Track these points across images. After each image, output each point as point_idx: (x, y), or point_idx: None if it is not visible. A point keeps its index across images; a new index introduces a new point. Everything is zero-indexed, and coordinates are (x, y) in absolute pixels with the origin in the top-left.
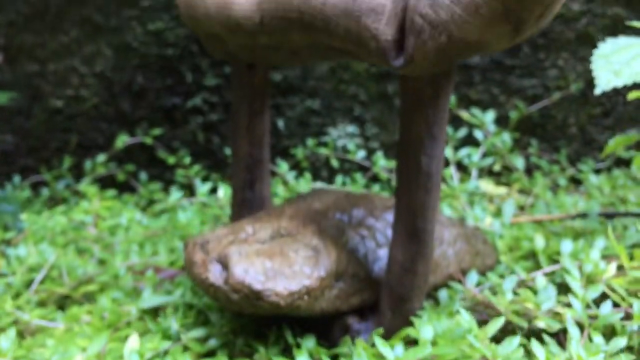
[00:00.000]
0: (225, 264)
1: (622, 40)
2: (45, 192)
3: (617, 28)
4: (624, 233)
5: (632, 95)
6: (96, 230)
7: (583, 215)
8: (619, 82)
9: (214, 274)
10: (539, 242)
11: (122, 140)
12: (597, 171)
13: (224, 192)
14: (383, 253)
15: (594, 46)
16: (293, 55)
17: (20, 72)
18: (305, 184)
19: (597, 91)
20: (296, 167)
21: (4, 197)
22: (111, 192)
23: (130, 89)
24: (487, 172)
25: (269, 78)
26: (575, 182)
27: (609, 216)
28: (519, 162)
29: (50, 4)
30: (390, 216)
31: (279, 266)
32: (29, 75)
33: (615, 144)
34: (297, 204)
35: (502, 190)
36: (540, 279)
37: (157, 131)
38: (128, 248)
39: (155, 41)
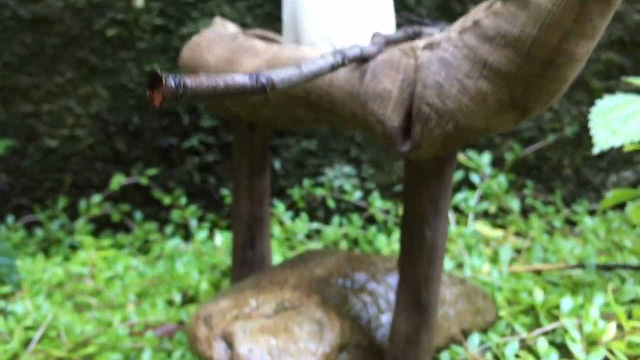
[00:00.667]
0: (229, 342)
1: (619, 98)
2: (39, 232)
3: (610, 73)
4: (621, 287)
5: (629, 148)
6: (93, 282)
7: (580, 266)
8: (617, 142)
9: (219, 353)
10: (538, 295)
11: (118, 181)
12: (592, 212)
13: (221, 239)
14: (386, 319)
15: (588, 90)
16: (296, 123)
17: (15, 112)
18: (301, 225)
19: (596, 150)
20: (293, 207)
21: (0, 250)
22: (107, 241)
23: (126, 129)
24: (483, 214)
25: (270, 138)
26: (571, 223)
27: (607, 268)
28: (514, 203)
29: (46, 45)
30: (391, 279)
31: (284, 344)
32: (24, 116)
33: (613, 198)
34: (300, 271)
35: (498, 233)
36: (541, 342)
37: (152, 171)
38: (125, 300)
39: None
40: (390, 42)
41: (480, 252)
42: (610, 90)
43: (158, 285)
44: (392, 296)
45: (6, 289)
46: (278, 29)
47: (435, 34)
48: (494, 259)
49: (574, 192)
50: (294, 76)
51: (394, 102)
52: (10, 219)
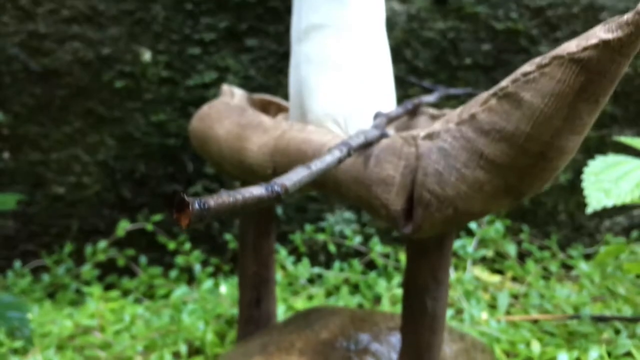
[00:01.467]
0: None
1: (611, 158)
2: (46, 277)
3: (603, 123)
4: (615, 338)
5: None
6: (102, 334)
7: (576, 317)
8: (609, 202)
9: None
10: (535, 348)
11: (123, 228)
12: (587, 256)
13: (226, 288)
14: None
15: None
16: (302, 193)
17: (23, 160)
18: (303, 270)
19: (589, 211)
20: (295, 252)
21: (13, 304)
22: (114, 293)
23: (132, 176)
24: (481, 259)
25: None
26: (567, 267)
27: (601, 319)
28: (511, 248)
29: (55, 97)
30: (393, 338)
31: None
32: (32, 164)
33: (606, 254)
34: (306, 334)
35: (496, 278)
36: None
37: (157, 217)
38: (134, 353)
39: (158, 132)
40: (391, 120)
41: (478, 298)
42: (603, 139)
43: (165, 337)
44: (394, 356)
45: (18, 343)
46: (281, 82)
47: (432, 99)
48: (492, 305)
49: (569, 237)
50: (304, 177)
51: (396, 187)
52: (17, 264)
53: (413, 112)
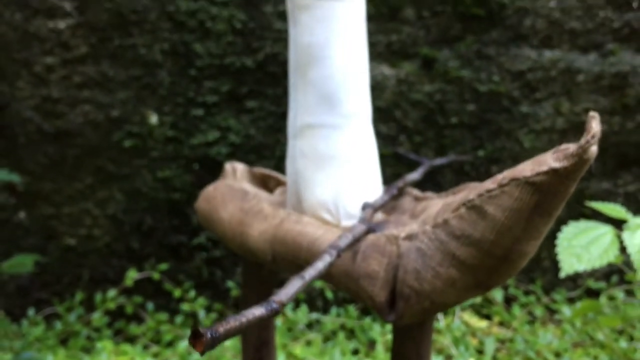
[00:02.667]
0: None
1: (583, 224)
2: (58, 325)
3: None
4: None
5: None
6: None
7: None
8: (581, 267)
9: None
10: None
11: (132, 277)
12: (570, 299)
13: (230, 340)
14: None
15: None
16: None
17: (37, 214)
18: (302, 315)
19: (562, 275)
20: (294, 303)
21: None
22: (125, 347)
23: (140, 228)
24: (469, 304)
25: (276, 272)
26: (551, 310)
27: None
28: (498, 294)
29: (67, 155)
30: None
31: None
32: (45, 218)
33: (582, 309)
34: None
35: (483, 323)
36: None
37: (164, 266)
38: None
39: (164, 187)
40: (377, 209)
41: (467, 344)
42: (582, 192)
43: None
44: None
45: None
46: (279, 140)
47: (417, 176)
48: (480, 350)
49: (553, 282)
50: (299, 288)
51: (380, 281)
52: (31, 311)
53: (399, 193)
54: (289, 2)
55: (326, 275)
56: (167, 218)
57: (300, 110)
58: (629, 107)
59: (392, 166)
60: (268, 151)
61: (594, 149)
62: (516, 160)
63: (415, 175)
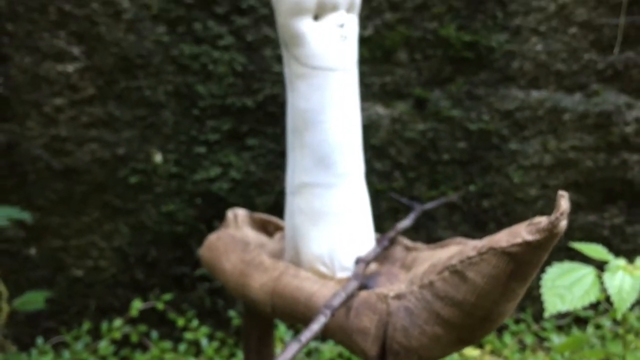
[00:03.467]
0: None
1: (566, 265)
2: (66, 354)
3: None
4: None
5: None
6: None
7: None
8: (564, 307)
9: None
10: None
11: (137, 307)
12: (560, 327)
13: None
14: None
15: None
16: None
17: (45, 247)
18: None
19: (546, 315)
20: (293, 327)
21: None
22: None
23: (145, 260)
24: None
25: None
26: (540, 338)
27: None
28: None
29: (75, 191)
30: None
31: None
32: (54, 250)
33: (568, 344)
34: None
35: (475, 352)
36: None
37: (167, 296)
38: None
39: (167, 220)
40: (369, 262)
41: None
42: (569, 224)
43: None
44: None
45: None
46: (278, 177)
47: (408, 223)
48: None
49: (542, 310)
50: (297, 351)
51: (372, 337)
52: (40, 340)
53: (388, 248)
54: (287, 70)
55: (322, 330)
56: (170, 250)
57: (298, 169)
58: (614, 144)
59: (387, 200)
60: (268, 187)
61: (563, 224)
62: (506, 194)
63: (406, 223)
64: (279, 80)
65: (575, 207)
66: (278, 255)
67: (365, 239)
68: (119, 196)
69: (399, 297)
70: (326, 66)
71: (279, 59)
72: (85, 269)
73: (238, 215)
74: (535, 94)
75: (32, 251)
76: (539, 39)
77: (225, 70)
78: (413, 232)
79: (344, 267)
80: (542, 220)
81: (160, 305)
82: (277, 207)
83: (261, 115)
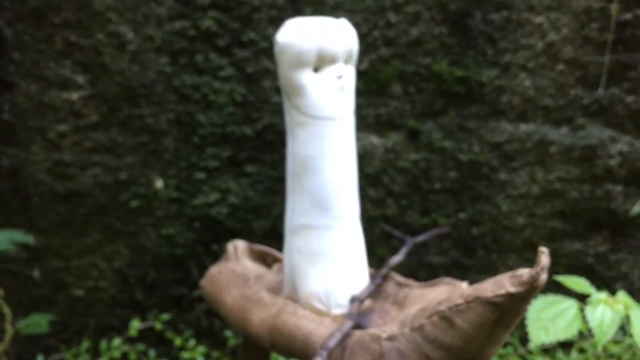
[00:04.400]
0: None
1: (551, 298)
2: None
3: (554, 237)
4: None
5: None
6: None
7: None
8: (547, 339)
9: None
10: None
11: (135, 327)
12: (545, 350)
13: None
14: None
15: (536, 250)
16: None
17: (47, 267)
18: None
19: (531, 346)
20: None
21: None
22: None
23: (144, 281)
24: None
25: None
26: None
27: None
28: None
29: (77, 214)
30: None
31: None
32: (55, 270)
33: None
34: None
35: None
36: None
37: (166, 316)
38: None
39: (167, 243)
40: (363, 300)
41: None
42: (555, 252)
43: None
44: None
45: None
46: (275, 202)
47: (401, 257)
48: None
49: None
50: None
51: None
52: (40, 358)
53: (381, 285)
54: (287, 118)
55: None
56: (169, 272)
57: (297, 211)
58: (598, 176)
59: (380, 227)
60: (265, 211)
61: (543, 278)
62: (494, 222)
63: (399, 257)
64: (277, 110)
65: (561, 235)
66: (276, 287)
67: (359, 277)
68: (120, 219)
69: (391, 338)
70: (325, 116)
71: (277, 90)
72: (85, 288)
73: (238, 247)
74: (523, 127)
75: (36, 273)
76: (528, 75)
77: (226, 100)
78: (404, 258)
79: (339, 304)
80: (524, 274)
81: (158, 325)
82: (274, 232)
83: (260, 143)
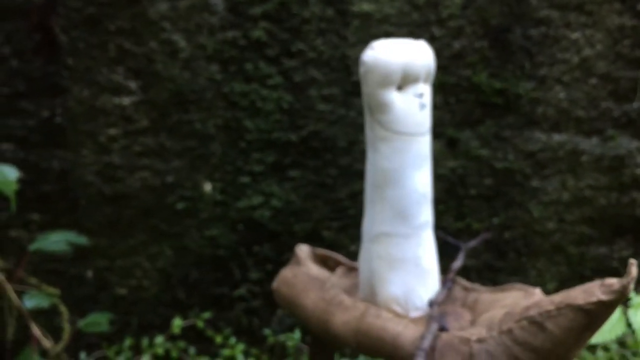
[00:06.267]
0: None
1: None
2: None
3: (582, 241)
4: None
5: None
6: None
7: None
8: (594, 340)
9: None
10: None
11: (178, 325)
12: None
13: None
14: None
15: (566, 254)
16: None
17: (91, 266)
18: None
19: None
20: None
21: None
22: None
23: (186, 281)
24: None
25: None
26: None
27: None
28: None
29: (124, 215)
30: None
31: None
32: (99, 270)
33: None
34: None
35: None
36: None
37: (206, 315)
38: None
39: (210, 244)
40: (440, 304)
41: None
42: (582, 256)
43: None
44: None
45: None
46: (317, 206)
47: (459, 263)
48: None
49: None
50: None
51: None
52: (83, 355)
53: (451, 288)
54: (369, 133)
55: None
56: (211, 272)
57: (377, 220)
58: (625, 184)
59: None
60: (307, 215)
61: (631, 287)
62: (526, 227)
63: (458, 263)
64: (322, 118)
65: (588, 240)
66: (348, 291)
67: (433, 282)
68: (165, 221)
69: (480, 341)
70: (407, 131)
71: (323, 99)
72: (129, 287)
73: (302, 249)
74: (556, 137)
75: (89, 273)
76: (562, 87)
77: (273, 107)
78: (440, 260)
79: (417, 307)
80: (615, 283)
81: (200, 323)
82: (315, 235)
83: (304, 149)
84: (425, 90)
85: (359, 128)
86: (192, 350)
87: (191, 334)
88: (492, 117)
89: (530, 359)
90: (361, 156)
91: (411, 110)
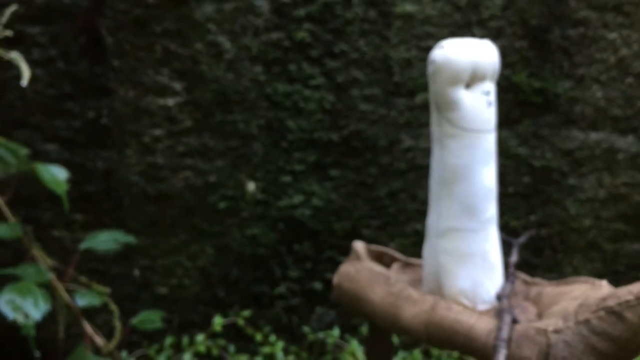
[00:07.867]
0: None
1: None
2: None
3: (617, 238)
4: None
5: None
6: None
7: None
8: None
9: None
10: None
11: (219, 323)
12: None
13: None
14: None
15: (600, 250)
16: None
17: (133, 265)
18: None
19: None
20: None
21: None
22: None
23: (227, 279)
24: None
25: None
26: None
27: None
28: None
29: (166, 215)
30: None
31: None
32: (141, 269)
33: None
34: None
35: None
36: None
37: (246, 313)
38: None
39: (250, 243)
40: (508, 297)
41: None
42: (616, 252)
43: None
44: None
45: None
46: (357, 205)
47: (515, 259)
48: None
49: None
50: None
51: None
52: (124, 354)
53: (513, 283)
54: (436, 129)
55: (484, 356)
56: (251, 270)
57: (444, 216)
58: None
59: None
60: (346, 213)
61: None
62: (562, 224)
63: (515, 258)
64: (364, 118)
65: (622, 236)
66: (411, 285)
67: (498, 276)
68: (207, 220)
69: (557, 331)
70: (476, 128)
71: (365, 99)
72: (169, 286)
73: (358, 244)
74: (593, 136)
75: (136, 272)
76: (599, 87)
77: (315, 108)
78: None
79: (484, 300)
80: None
81: (240, 321)
82: (354, 233)
83: (345, 149)
84: (491, 88)
85: (400, 128)
86: (232, 348)
87: (231, 332)
88: (530, 116)
89: (608, 348)
90: (402, 155)
91: (479, 107)
